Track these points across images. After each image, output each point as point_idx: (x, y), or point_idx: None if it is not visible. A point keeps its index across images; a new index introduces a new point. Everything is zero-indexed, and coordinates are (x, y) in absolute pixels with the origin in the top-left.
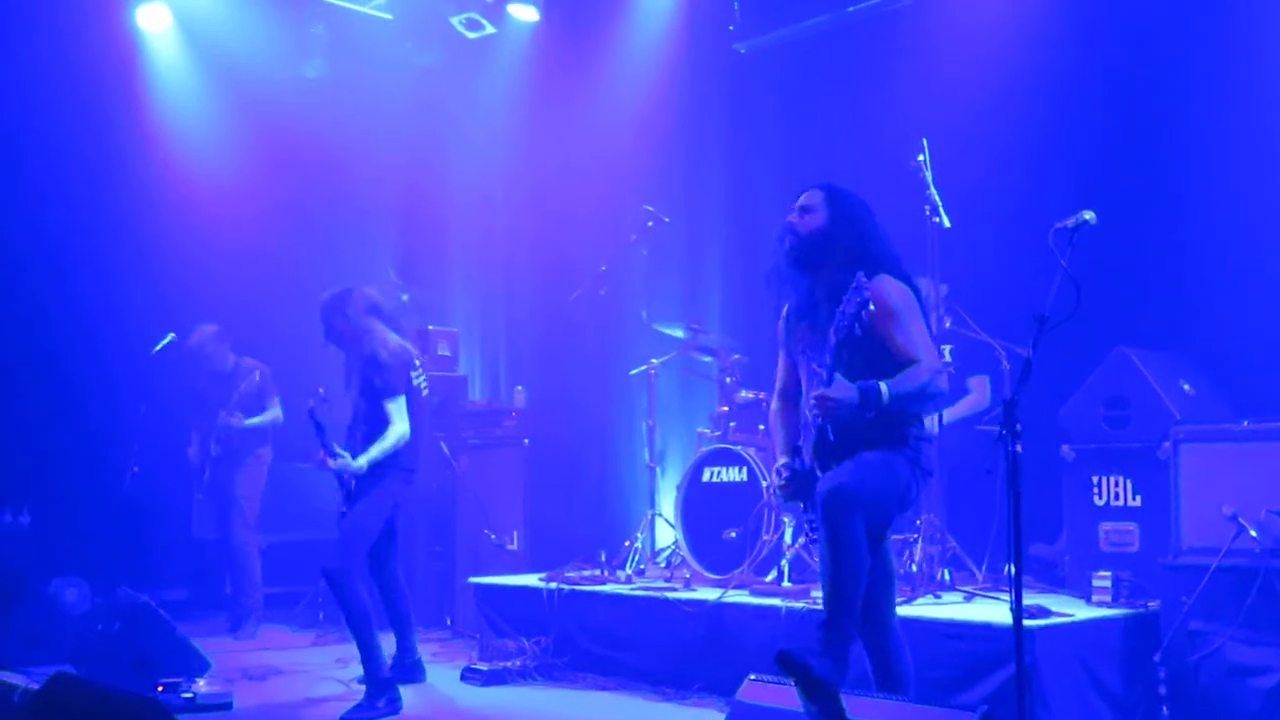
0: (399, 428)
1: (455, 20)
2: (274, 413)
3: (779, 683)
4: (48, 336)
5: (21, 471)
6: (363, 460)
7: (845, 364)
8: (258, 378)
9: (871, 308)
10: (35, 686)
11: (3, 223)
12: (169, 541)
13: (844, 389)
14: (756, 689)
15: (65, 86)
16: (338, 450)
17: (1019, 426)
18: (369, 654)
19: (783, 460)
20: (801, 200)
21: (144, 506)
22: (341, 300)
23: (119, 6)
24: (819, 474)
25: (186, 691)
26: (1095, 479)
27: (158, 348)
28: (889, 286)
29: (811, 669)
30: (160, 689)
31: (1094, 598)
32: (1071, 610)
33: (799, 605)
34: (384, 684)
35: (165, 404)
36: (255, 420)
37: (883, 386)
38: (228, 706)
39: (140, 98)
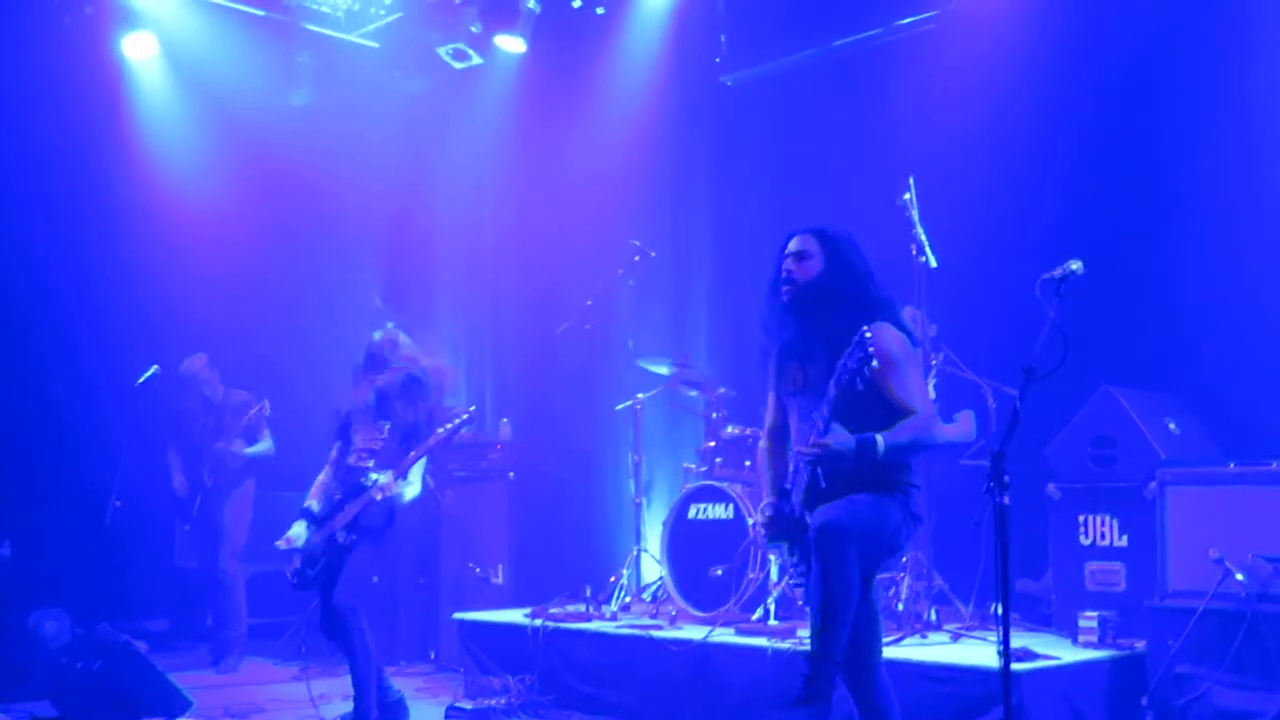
0: (415, 488)
1: (442, 51)
2: (267, 444)
3: None
4: (30, 365)
5: (2, 502)
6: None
7: (842, 413)
8: (266, 410)
9: (875, 364)
10: None
11: None
12: (151, 573)
13: (842, 439)
14: None
15: (51, 114)
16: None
17: (1007, 479)
18: (364, 692)
19: (768, 500)
20: (794, 246)
21: (126, 538)
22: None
23: (105, 34)
24: (808, 519)
25: None
26: (1081, 518)
27: (142, 379)
28: (889, 336)
29: None
30: None
31: (1080, 638)
32: (1058, 653)
33: (785, 645)
34: None
35: (149, 435)
36: (253, 450)
37: (879, 439)
38: None
39: (126, 125)
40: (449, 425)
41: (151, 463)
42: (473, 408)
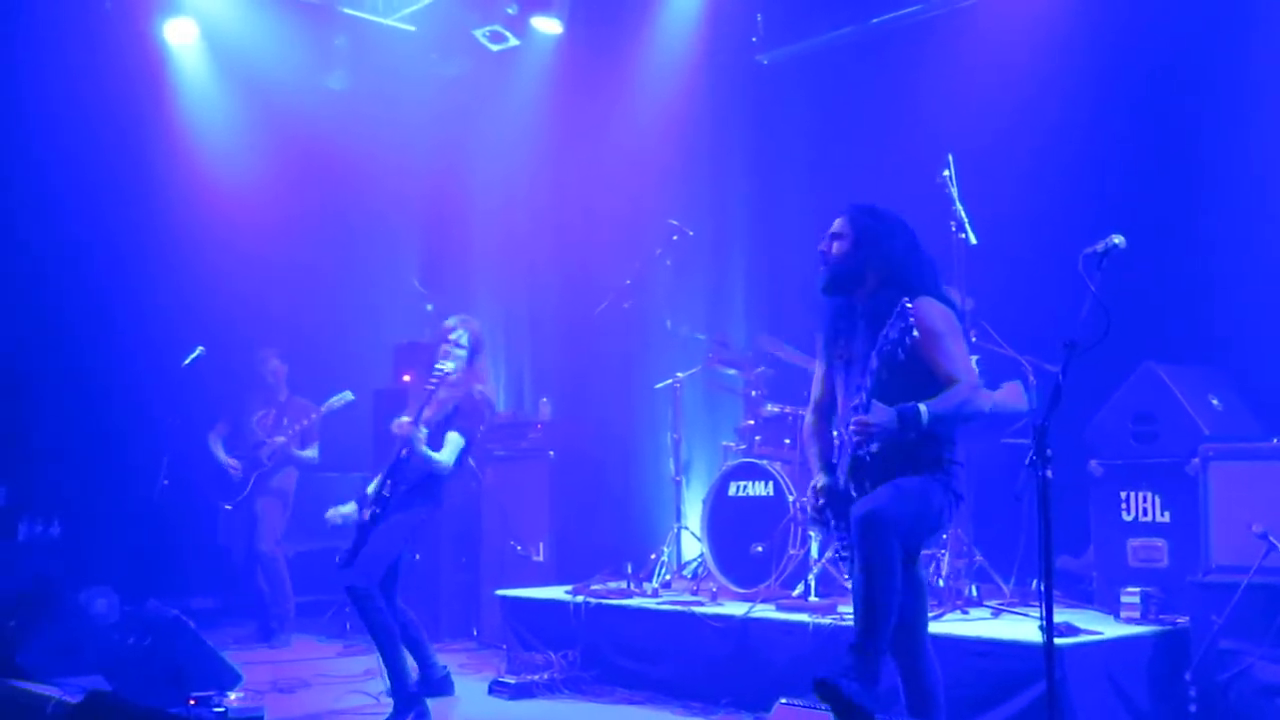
0: (447, 459)
1: (479, 33)
2: (313, 452)
3: (811, 707)
4: (77, 349)
5: (51, 483)
6: (424, 446)
7: (885, 386)
8: (314, 417)
9: (915, 334)
10: (69, 699)
11: (32, 235)
12: (197, 551)
13: (883, 414)
14: (788, 713)
15: (93, 100)
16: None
17: (1049, 452)
18: (395, 669)
19: (819, 480)
20: (833, 226)
21: (173, 517)
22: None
23: (146, 20)
24: (854, 494)
25: (218, 705)
26: (1123, 494)
27: (187, 361)
28: (931, 308)
29: (848, 696)
30: (192, 703)
31: (1122, 614)
32: (1100, 628)
33: (826, 621)
34: (411, 698)
35: (194, 416)
36: (299, 453)
37: (922, 409)
38: None
39: (167, 110)
40: (430, 382)
41: (197, 443)
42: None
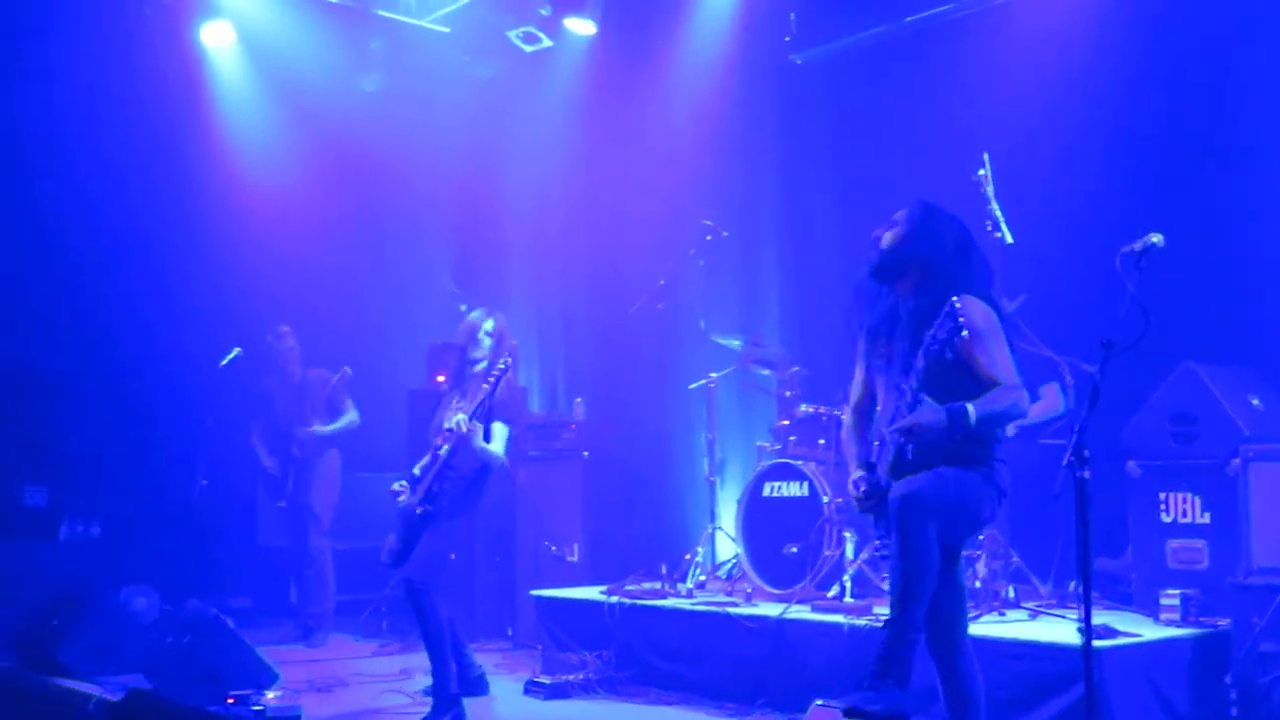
0: (499, 449)
1: (512, 34)
2: (350, 416)
3: None
4: (116, 351)
5: (92, 484)
6: (480, 440)
7: (929, 385)
8: (348, 374)
9: (965, 334)
10: (110, 697)
11: (71, 236)
12: (234, 550)
13: (932, 413)
14: (823, 715)
15: (132, 103)
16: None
17: (1087, 453)
18: (440, 668)
19: (859, 473)
20: (895, 216)
21: (211, 516)
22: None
23: (184, 24)
24: None
25: (256, 704)
26: (1162, 496)
27: (224, 361)
28: (977, 308)
29: (880, 714)
30: (230, 701)
31: (1162, 616)
32: (1139, 630)
33: (861, 622)
34: (451, 699)
35: (232, 416)
36: (334, 426)
37: (970, 409)
38: (296, 719)
39: (204, 113)
40: (492, 376)
41: (235, 443)
42: (508, 358)
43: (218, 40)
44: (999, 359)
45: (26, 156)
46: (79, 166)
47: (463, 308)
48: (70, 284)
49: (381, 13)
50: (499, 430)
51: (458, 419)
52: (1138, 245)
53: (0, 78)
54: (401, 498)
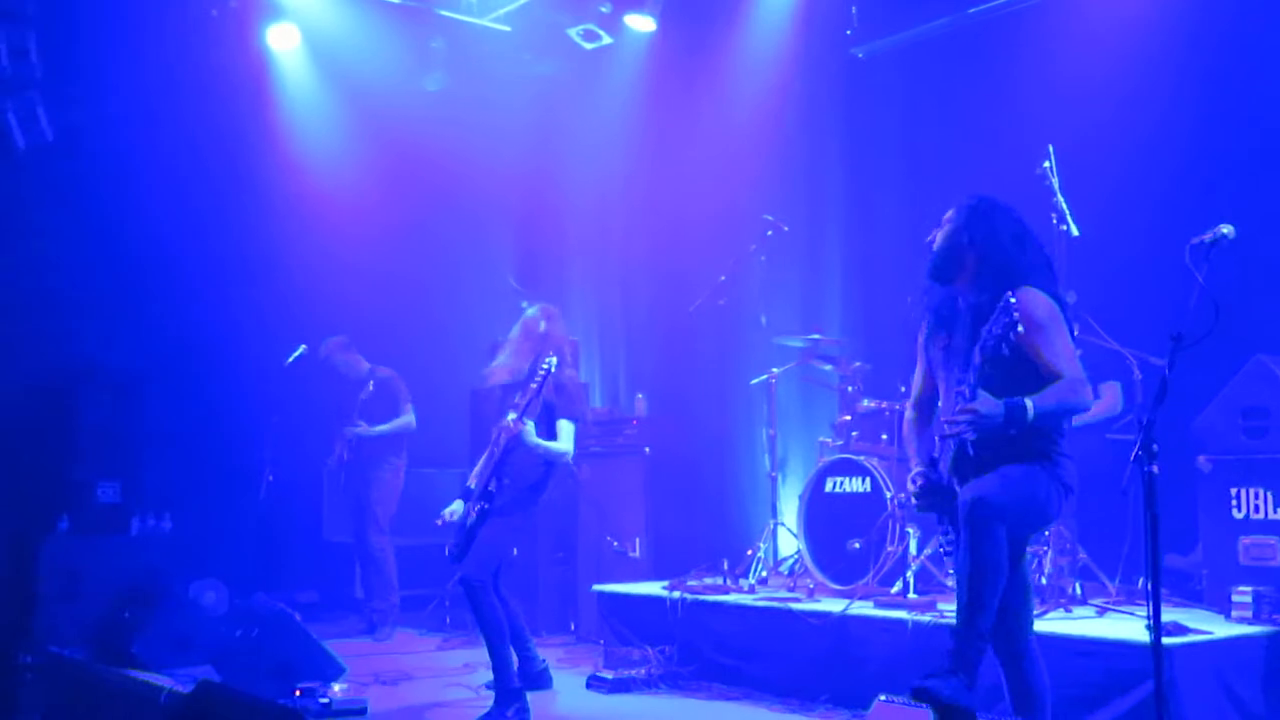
0: (567, 446)
1: (573, 32)
2: (406, 419)
3: (910, 705)
4: (186, 351)
5: (163, 480)
6: (535, 438)
7: (988, 381)
8: (371, 387)
9: (1020, 329)
10: (181, 689)
11: (141, 239)
12: (301, 545)
13: (990, 404)
14: (887, 710)
15: (200, 106)
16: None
17: (1156, 447)
18: (500, 663)
19: (917, 469)
20: (945, 216)
21: (277, 512)
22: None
23: (250, 27)
24: (956, 488)
25: (323, 696)
26: (1234, 491)
27: (290, 359)
28: (1035, 300)
29: (946, 698)
30: (298, 694)
31: (1234, 614)
32: (1210, 627)
33: (925, 618)
34: (513, 693)
35: (297, 413)
36: (383, 427)
37: (1028, 403)
38: (362, 712)
39: (270, 115)
40: (540, 372)
41: (299, 440)
42: (553, 357)
43: (282, 42)
44: (1061, 351)
45: (96, 161)
46: (148, 169)
47: (524, 305)
48: (141, 286)
49: (443, 12)
50: (565, 427)
51: (509, 417)
52: (1208, 237)
53: (70, 84)
54: (453, 516)
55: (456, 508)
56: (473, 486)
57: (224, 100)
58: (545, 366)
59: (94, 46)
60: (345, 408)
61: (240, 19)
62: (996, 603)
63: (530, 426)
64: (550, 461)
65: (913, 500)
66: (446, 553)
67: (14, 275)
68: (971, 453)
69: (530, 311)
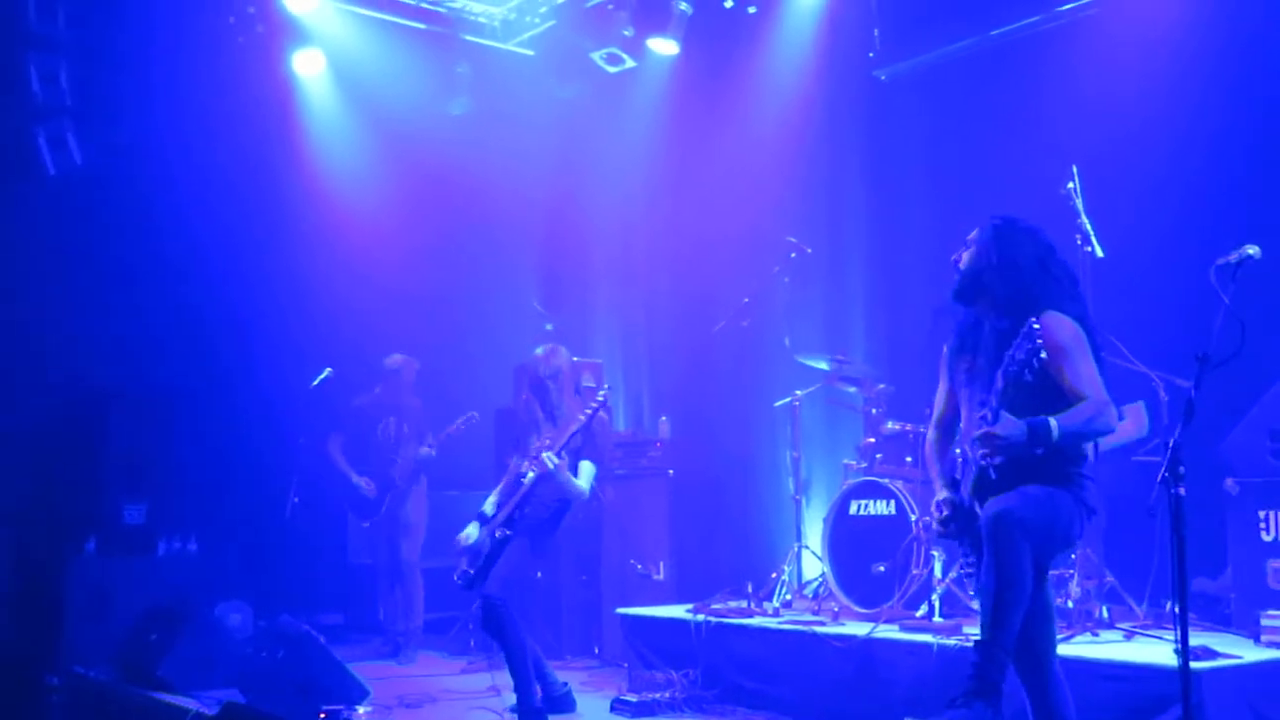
0: (585, 487)
1: (596, 55)
2: (426, 450)
3: None
4: (212, 373)
5: (189, 502)
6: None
7: (1012, 403)
8: (418, 407)
9: (1043, 355)
10: (207, 711)
11: (171, 265)
12: (325, 568)
13: (1012, 426)
14: None
15: (228, 130)
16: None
17: (1183, 470)
18: (522, 684)
19: (942, 495)
20: (969, 237)
21: (303, 534)
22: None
23: (276, 52)
24: (978, 510)
25: (347, 719)
26: (1263, 514)
27: (316, 382)
28: (1059, 324)
29: None
30: (322, 716)
31: (1263, 638)
32: (1240, 652)
33: (951, 642)
34: (536, 714)
35: (323, 436)
36: (424, 451)
37: (1053, 422)
38: None
39: (297, 139)
40: (588, 410)
41: (326, 462)
42: (606, 389)
43: (309, 68)
44: (1084, 373)
45: (124, 186)
46: (175, 194)
47: (549, 327)
48: (167, 309)
49: (468, 37)
50: (586, 468)
51: (546, 455)
52: (1233, 257)
53: (99, 110)
54: (467, 540)
55: (472, 532)
56: (488, 511)
57: (251, 125)
58: (591, 408)
59: (122, 73)
60: (393, 431)
61: (266, 45)
62: (1020, 618)
63: (564, 463)
64: (568, 499)
65: (937, 528)
66: (456, 578)
67: (44, 299)
68: (994, 476)
69: (545, 349)
